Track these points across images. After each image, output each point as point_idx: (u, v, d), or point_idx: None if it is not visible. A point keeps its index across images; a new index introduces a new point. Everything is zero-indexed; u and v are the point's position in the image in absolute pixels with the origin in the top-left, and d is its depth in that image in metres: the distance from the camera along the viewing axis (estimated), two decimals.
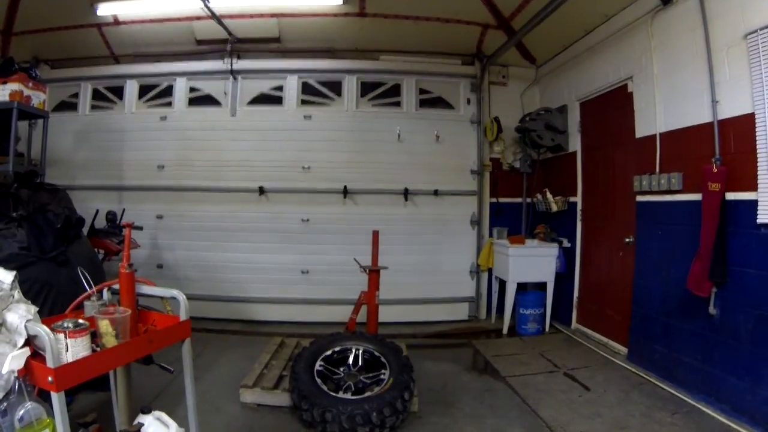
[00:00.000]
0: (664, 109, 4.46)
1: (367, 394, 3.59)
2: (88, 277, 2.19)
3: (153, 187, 6.56)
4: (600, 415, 3.72)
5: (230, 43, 6.34)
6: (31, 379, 1.97)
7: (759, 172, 3.48)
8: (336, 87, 6.64)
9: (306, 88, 6.61)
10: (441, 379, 4.52)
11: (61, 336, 1.92)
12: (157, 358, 2.31)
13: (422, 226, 6.62)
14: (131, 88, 6.71)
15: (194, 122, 6.55)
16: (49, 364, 1.88)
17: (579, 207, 6.03)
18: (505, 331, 6.10)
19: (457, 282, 6.74)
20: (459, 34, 6.38)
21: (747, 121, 3.56)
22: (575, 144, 6.12)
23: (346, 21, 6.08)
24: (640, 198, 4.77)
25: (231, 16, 5.90)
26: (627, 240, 4.94)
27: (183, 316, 2.24)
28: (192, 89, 6.64)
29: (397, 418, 3.40)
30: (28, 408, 1.94)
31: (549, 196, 6.38)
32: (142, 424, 2.19)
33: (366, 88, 6.68)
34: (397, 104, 6.71)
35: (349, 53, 6.62)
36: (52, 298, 3.24)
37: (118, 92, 6.76)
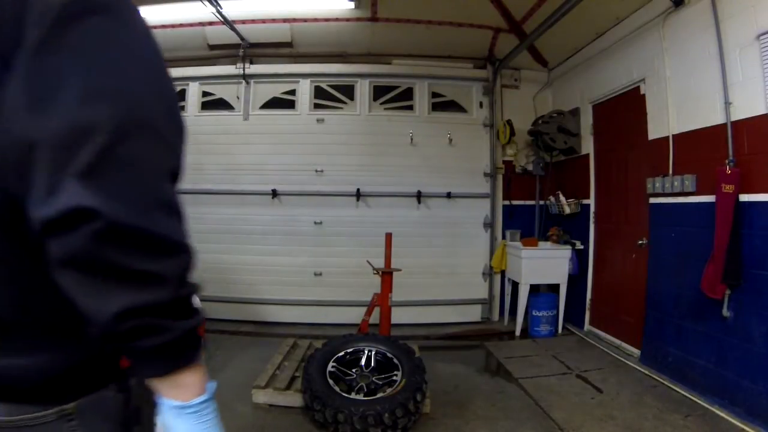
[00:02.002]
0: (677, 111, 4.44)
1: (380, 395, 3.60)
2: None
3: None
4: (613, 418, 3.71)
5: (243, 48, 6.39)
6: None
7: None
8: (348, 91, 6.68)
9: (318, 92, 6.66)
10: (453, 381, 4.53)
11: None
12: None
13: (435, 228, 6.63)
14: None
15: (207, 126, 6.59)
16: None
17: (592, 209, 6.02)
18: (517, 333, 6.09)
19: (469, 284, 6.74)
20: (471, 37, 6.40)
21: (761, 122, 3.55)
22: (588, 146, 6.11)
23: (358, 25, 6.13)
24: (653, 200, 4.76)
25: (243, 22, 5.96)
26: (640, 242, 4.92)
27: None
28: (205, 93, 6.70)
29: (409, 419, 3.41)
30: None
31: (562, 198, 6.37)
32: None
33: (378, 92, 6.71)
34: (410, 108, 6.73)
35: (361, 57, 6.66)
36: None
37: None
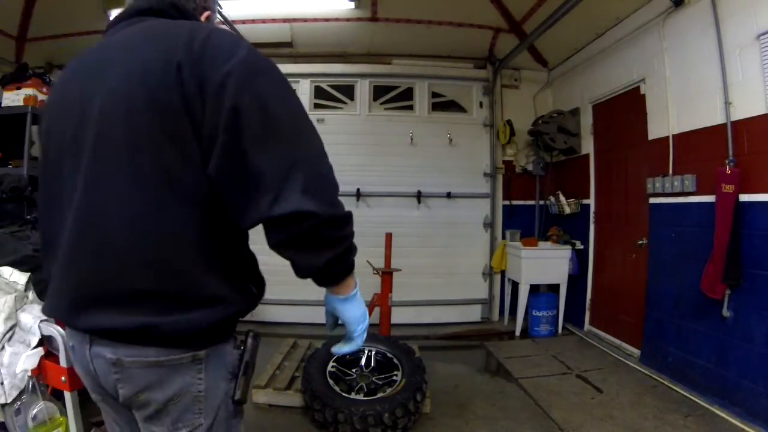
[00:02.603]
0: (677, 110, 4.44)
1: (380, 395, 3.60)
2: None
3: None
4: (612, 417, 3.71)
5: None
6: (45, 379, 2.01)
7: None
8: (349, 91, 6.68)
9: (318, 92, 6.66)
10: (453, 381, 4.53)
11: None
12: None
13: (435, 228, 6.63)
14: None
15: None
16: (63, 363, 1.92)
17: (592, 209, 6.02)
18: (517, 332, 6.10)
19: (470, 284, 6.74)
20: (471, 37, 6.40)
21: (761, 122, 3.55)
22: (588, 146, 6.11)
23: (358, 25, 6.12)
24: (653, 200, 4.76)
25: (243, 22, 5.95)
26: (640, 242, 4.92)
27: None
28: None
29: (409, 419, 3.41)
30: (41, 407, 1.98)
31: (562, 198, 6.37)
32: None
33: (378, 92, 6.71)
34: (410, 108, 6.73)
35: (361, 57, 6.66)
36: None
37: None
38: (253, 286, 1.43)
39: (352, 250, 1.31)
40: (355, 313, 1.46)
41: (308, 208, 1.13)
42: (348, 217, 1.27)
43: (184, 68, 1.12)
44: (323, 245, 1.23)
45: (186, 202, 1.18)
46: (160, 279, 1.20)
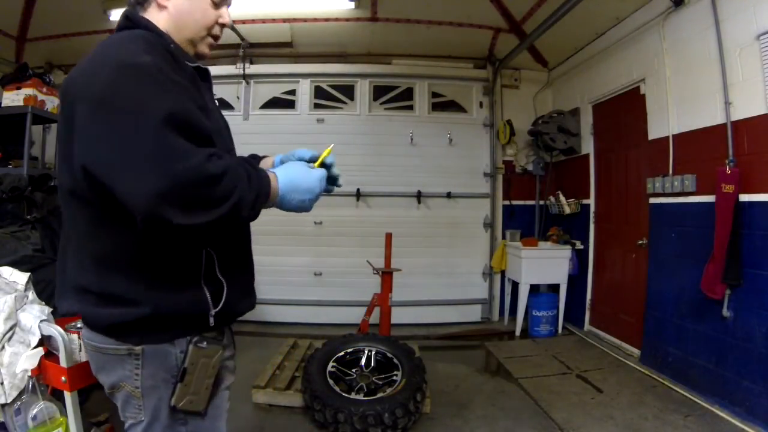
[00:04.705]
0: (677, 110, 4.44)
1: (380, 395, 3.60)
2: None
3: None
4: (612, 418, 3.71)
5: (243, 47, 6.38)
6: (45, 379, 2.01)
7: None
8: (348, 91, 6.68)
9: (318, 92, 6.65)
10: (453, 381, 4.53)
11: (75, 336, 1.95)
12: None
13: (435, 228, 6.63)
14: None
15: None
16: (63, 363, 1.92)
17: (592, 209, 6.02)
18: (517, 333, 6.10)
19: (470, 284, 6.74)
20: (471, 37, 6.39)
21: (761, 122, 3.55)
22: (588, 146, 6.11)
23: (358, 25, 6.12)
24: (653, 200, 4.76)
25: (243, 21, 5.96)
26: (640, 242, 4.92)
27: None
28: None
29: (409, 419, 3.41)
30: (41, 407, 1.98)
31: (562, 198, 6.37)
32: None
33: (378, 92, 6.71)
34: (410, 108, 6.73)
35: (361, 57, 6.66)
36: None
37: None
38: (206, 288, 1.39)
39: (241, 204, 1.33)
40: (296, 197, 1.54)
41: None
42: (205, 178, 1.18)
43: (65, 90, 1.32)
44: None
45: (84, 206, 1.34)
46: (88, 279, 1.35)
